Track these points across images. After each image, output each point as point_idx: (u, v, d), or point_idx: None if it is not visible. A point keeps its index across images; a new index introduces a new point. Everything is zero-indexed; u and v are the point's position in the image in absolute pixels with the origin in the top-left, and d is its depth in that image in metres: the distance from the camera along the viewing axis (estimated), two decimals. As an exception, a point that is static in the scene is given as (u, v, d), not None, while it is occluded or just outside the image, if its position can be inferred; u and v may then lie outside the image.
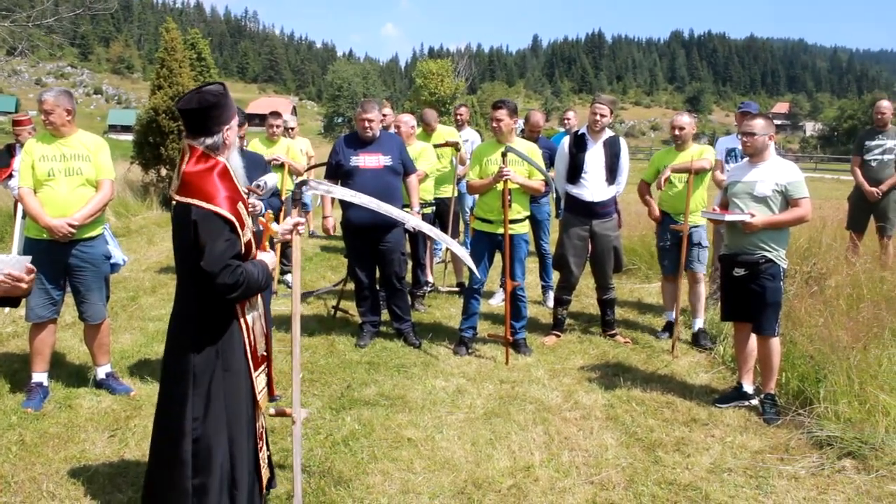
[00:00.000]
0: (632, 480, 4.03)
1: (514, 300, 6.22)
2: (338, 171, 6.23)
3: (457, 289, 8.39)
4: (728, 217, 5.00)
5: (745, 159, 5.22)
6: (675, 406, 5.12)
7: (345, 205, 6.19)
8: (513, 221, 6.04)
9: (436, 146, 7.95)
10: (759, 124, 5.02)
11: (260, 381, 3.20)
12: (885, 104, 8.35)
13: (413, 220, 3.23)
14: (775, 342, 4.98)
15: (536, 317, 7.47)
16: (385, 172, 6.20)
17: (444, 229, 8.23)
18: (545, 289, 8.11)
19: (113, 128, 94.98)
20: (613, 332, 6.78)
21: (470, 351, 6.29)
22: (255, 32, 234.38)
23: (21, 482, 3.87)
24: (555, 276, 7.44)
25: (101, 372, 5.23)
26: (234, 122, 3.07)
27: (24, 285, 2.42)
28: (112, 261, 5.23)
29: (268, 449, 3.46)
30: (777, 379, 5.05)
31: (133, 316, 7.18)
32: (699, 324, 6.60)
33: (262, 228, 3.26)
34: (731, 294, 5.16)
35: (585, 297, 8.13)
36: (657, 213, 6.66)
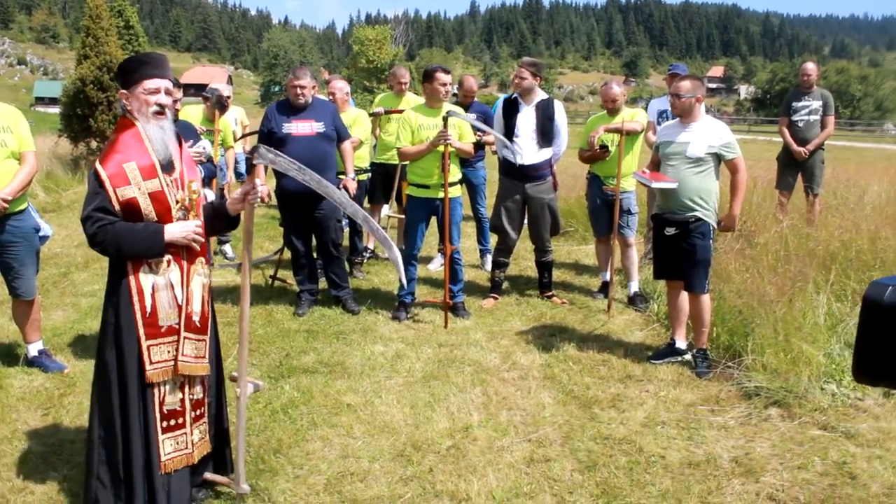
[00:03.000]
0: (568, 437, 4.12)
1: (452, 264, 6.25)
2: (270, 139, 6.12)
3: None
4: (655, 184, 5.09)
5: (676, 119, 5.27)
6: (611, 363, 5.23)
7: (278, 173, 6.10)
8: (450, 185, 6.04)
9: (388, 112, 7.86)
10: (685, 86, 5.07)
11: (159, 350, 3.09)
12: (810, 66, 8.55)
13: (350, 207, 3.17)
14: (705, 299, 5.09)
15: (474, 280, 7.52)
16: (318, 139, 6.12)
17: (388, 195, 8.19)
18: (483, 252, 8.16)
19: (40, 100, 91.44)
20: (551, 293, 6.86)
21: (409, 316, 6.31)
22: (187, 0, 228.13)
23: (-52, 463, 3.77)
24: (492, 240, 7.49)
25: (33, 349, 5.08)
26: (139, 88, 3.07)
27: None
28: (41, 233, 5.08)
29: (208, 423, 3.37)
30: (708, 334, 5.19)
31: (65, 292, 7.00)
32: (634, 287, 6.72)
33: (193, 196, 3.18)
34: (662, 253, 5.24)
35: (523, 260, 8.21)
36: (595, 145, 6.56)
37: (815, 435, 4.10)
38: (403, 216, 7.24)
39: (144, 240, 3.00)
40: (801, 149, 8.26)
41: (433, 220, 6.42)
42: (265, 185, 6.52)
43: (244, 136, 9.53)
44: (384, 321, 6.23)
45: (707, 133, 5.04)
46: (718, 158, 5.04)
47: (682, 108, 5.09)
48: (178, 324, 3.12)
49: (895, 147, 31.84)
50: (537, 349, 5.54)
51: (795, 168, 8.48)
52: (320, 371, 5.07)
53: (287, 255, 6.92)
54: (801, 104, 8.40)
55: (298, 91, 6.09)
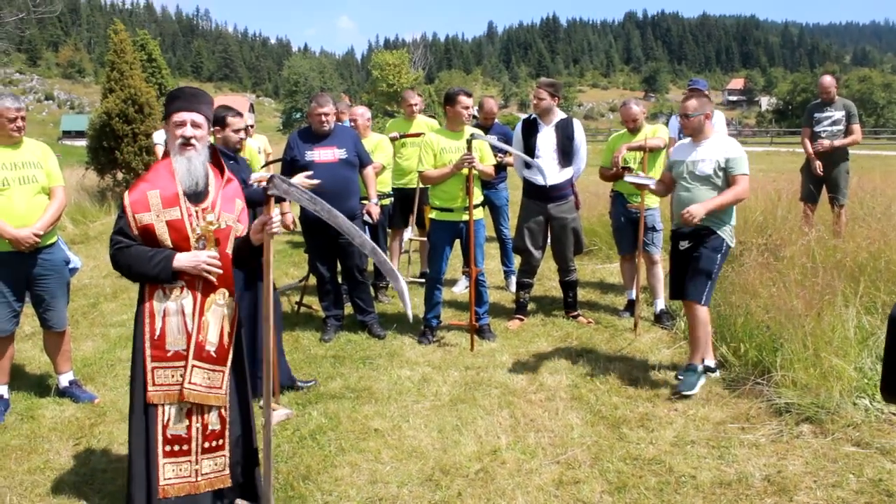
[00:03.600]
0: (597, 458, 4.09)
1: (477, 286, 6.25)
2: (293, 167, 6.18)
3: (421, 279, 8.40)
4: (628, 178, 5.43)
5: (689, 139, 5.25)
6: (639, 383, 5.20)
7: None
8: (474, 207, 6.07)
9: (403, 136, 7.92)
10: (691, 105, 5.06)
11: (163, 374, 3.16)
12: (827, 80, 8.57)
13: (359, 238, 3.19)
14: (702, 311, 4.99)
15: (499, 302, 7.52)
16: (340, 166, 6.17)
17: (406, 220, 8.24)
18: (507, 274, 8.16)
19: (67, 134, 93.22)
20: (576, 313, 6.84)
21: (434, 339, 6.32)
22: (208, 31, 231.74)
23: (-16, 496, 3.81)
24: (516, 261, 7.49)
25: (64, 380, 5.16)
26: (170, 121, 3.22)
27: None
28: (71, 265, 5.18)
29: (232, 454, 3.39)
30: (710, 351, 5.14)
31: (94, 323, 7.09)
32: (660, 305, 6.69)
33: (210, 228, 3.23)
34: (677, 270, 5.20)
35: (548, 280, 8.19)
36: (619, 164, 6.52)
37: (849, 451, 4.04)
38: (426, 239, 7.27)
39: (155, 265, 3.10)
40: (819, 163, 8.24)
41: (457, 242, 6.43)
42: (289, 212, 6.61)
43: (267, 163, 9.64)
44: (410, 345, 6.24)
45: (716, 150, 5.02)
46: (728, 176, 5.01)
47: (693, 127, 5.08)
48: (187, 350, 3.17)
49: (922, 155, 31.45)
50: (564, 370, 5.52)
51: (820, 179, 8.42)
52: (347, 396, 5.08)
53: (312, 281, 6.96)
54: (823, 115, 8.36)
55: (323, 119, 6.15)
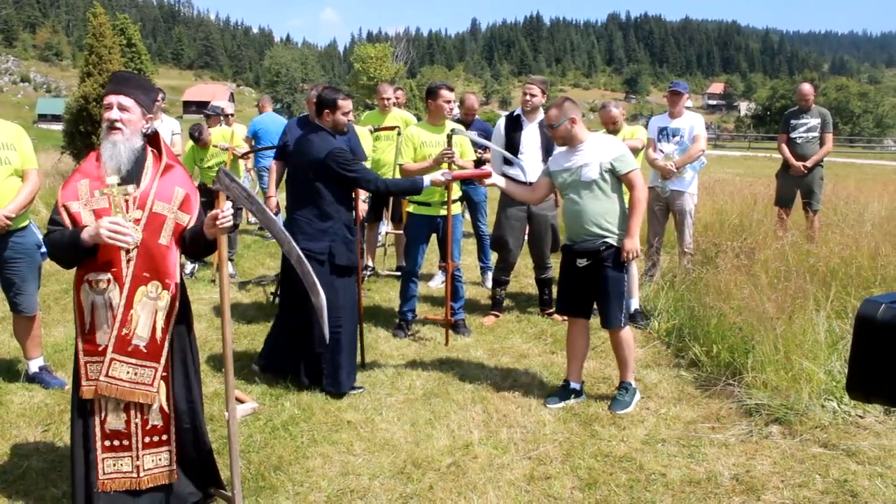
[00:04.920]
0: (569, 454, 4.11)
1: (453, 281, 6.25)
2: (284, 152, 6.19)
3: (397, 273, 8.39)
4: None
5: (565, 147, 4.88)
6: (612, 381, 5.23)
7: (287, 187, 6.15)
8: (452, 202, 6.07)
9: (377, 129, 7.91)
10: (552, 114, 4.73)
11: (95, 369, 3.11)
12: (806, 87, 8.71)
13: (287, 245, 3.14)
14: (625, 333, 4.84)
15: (475, 298, 7.54)
16: None
17: (379, 215, 8.23)
18: (483, 270, 8.17)
19: (43, 117, 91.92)
20: (551, 310, 6.87)
21: (409, 333, 6.32)
22: (190, 17, 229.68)
23: (-51, 480, 3.77)
24: (493, 257, 7.51)
25: (34, 365, 5.10)
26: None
27: None
28: (42, 249, 5.11)
29: (178, 450, 3.32)
30: (633, 368, 4.96)
31: (66, 308, 7.01)
32: (634, 304, 6.71)
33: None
34: (570, 285, 4.89)
35: (524, 277, 8.22)
36: None
37: (817, 452, 4.09)
38: (402, 233, 7.26)
39: (67, 245, 3.04)
40: (799, 164, 8.32)
41: (433, 237, 6.42)
42: (274, 196, 6.55)
43: (249, 152, 9.59)
44: (385, 338, 6.24)
45: (598, 151, 4.70)
46: (617, 177, 4.72)
47: (561, 136, 4.75)
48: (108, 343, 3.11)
49: (895, 164, 31.89)
50: (538, 366, 5.54)
51: (795, 185, 8.52)
52: (321, 388, 5.06)
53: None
54: (799, 122, 8.47)
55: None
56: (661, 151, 7.12)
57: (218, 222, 3.06)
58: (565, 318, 6.66)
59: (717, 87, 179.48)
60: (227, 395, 3.20)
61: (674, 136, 7.09)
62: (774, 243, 6.84)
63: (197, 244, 3.24)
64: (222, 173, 3.08)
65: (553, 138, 4.87)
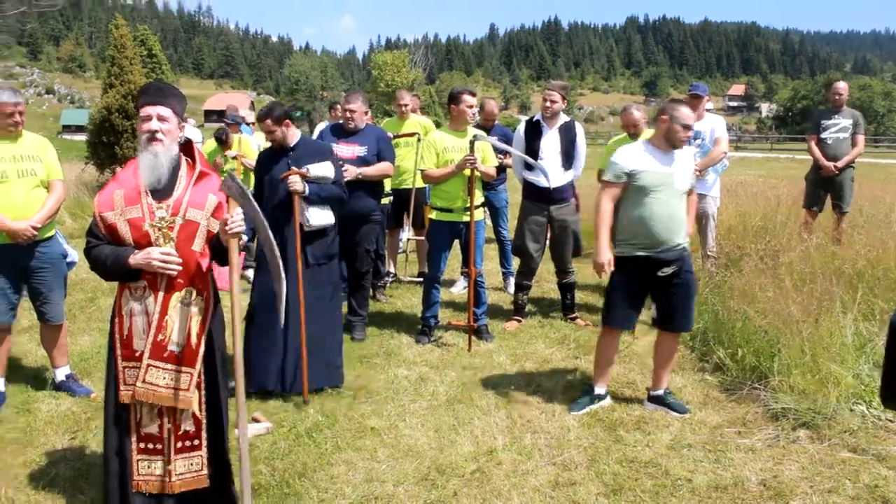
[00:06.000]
0: (594, 460, 4.09)
1: (475, 287, 6.24)
2: None
3: (419, 279, 8.40)
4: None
5: (641, 143, 4.75)
6: (636, 385, 5.20)
7: None
8: (475, 208, 6.06)
9: (396, 136, 7.91)
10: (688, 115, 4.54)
11: (133, 374, 3.16)
12: (841, 85, 8.57)
13: (270, 253, 3.20)
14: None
15: (498, 303, 7.52)
16: (357, 163, 6.10)
17: (400, 221, 8.23)
18: (506, 275, 8.16)
19: (67, 128, 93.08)
20: (574, 315, 6.85)
21: (432, 339, 6.32)
22: (210, 28, 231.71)
23: (-21, 489, 3.81)
24: (515, 263, 7.49)
25: (61, 374, 5.16)
26: (139, 117, 3.20)
27: None
28: (68, 259, 5.18)
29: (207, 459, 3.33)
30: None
31: (92, 317, 7.08)
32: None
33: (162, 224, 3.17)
34: (640, 298, 4.76)
35: (546, 283, 8.19)
36: None
37: (846, 457, 4.04)
38: (424, 239, 7.26)
39: (112, 264, 3.10)
40: (830, 164, 8.20)
41: (455, 242, 6.42)
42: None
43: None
44: (408, 345, 6.24)
45: (689, 160, 4.74)
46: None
47: (682, 139, 4.60)
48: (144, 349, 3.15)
49: (921, 163, 31.51)
50: (561, 372, 5.52)
51: (825, 186, 8.41)
52: (344, 395, 5.08)
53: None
54: (830, 122, 8.35)
55: (348, 115, 6.14)
56: (683, 154, 7.07)
57: (227, 227, 3.09)
58: (588, 323, 6.68)
59: (737, 89, 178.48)
60: (239, 412, 3.16)
61: (695, 139, 7.04)
62: (799, 245, 6.78)
63: (216, 250, 3.27)
64: (228, 177, 3.11)
65: (677, 140, 4.58)
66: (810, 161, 8.63)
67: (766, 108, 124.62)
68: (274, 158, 5.24)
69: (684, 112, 4.50)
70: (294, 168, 5.02)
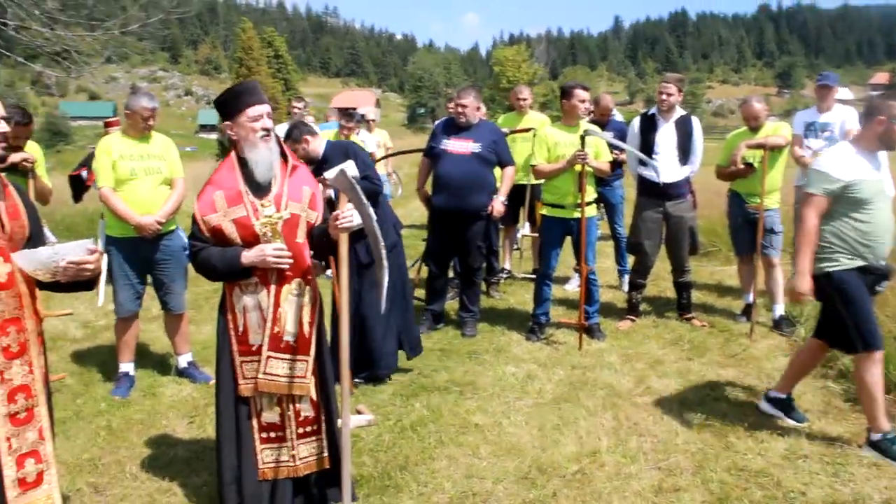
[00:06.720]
0: (701, 466, 3.96)
1: (587, 284, 6.16)
2: (430, 153, 6.36)
3: (533, 275, 8.35)
4: None
5: (852, 145, 4.19)
6: (751, 390, 5.00)
7: (435, 188, 6.31)
8: (586, 204, 5.97)
9: (513, 132, 7.88)
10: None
11: (251, 367, 3.28)
12: None
13: (357, 219, 3.20)
14: None
15: (612, 301, 7.38)
16: (471, 159, 6.14)
17: (517, 216, 8.20)
18: (621, 273, 8.00)
19: (203, 127, 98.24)
20: (690, 315, 6.64)
21: (542, 336, 6.27)
22: (337, 27, 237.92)
23: (107, 464, 4.10)
24: (630, 260, 7.33)
25: (183, 361, 5.46)
26: (242, 117, 3.21)
27: (90, 266, 2.58)
28: (188, 251, 5.45)
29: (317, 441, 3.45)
30: None
31: (216, 308, 7.37)
32: (779, 310, 6.39)
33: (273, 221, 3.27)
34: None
35: (663, 281, 7.96)
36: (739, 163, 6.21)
37: (982, 476, 3.75)
38: (538, 236, 7.21)
39: (224, 265, 3.20)
40: None
41: (567, 239, 6.33)
42: (423, 188, 6.70)
43: (384, 157, 9.83)
44: (518, 341, 6.22)
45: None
46: None
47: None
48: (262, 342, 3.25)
49: None
50: (673, 373, 5.37)
51: None
52: (451, 390, 5.11)
53: (423, 273, 7.04)
54: None
55: (460, 110, 6.20)
56: (809, 148, 6.74)
57: (338, 223, 3.16)
58: (705, 323, 6.46)
59: (881, 77, 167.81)
60: (343, 403, 3.27)
61: (822, 131, 6.70)
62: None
63: (324, 243, 3.37)
64: (340, 172, 3.18)
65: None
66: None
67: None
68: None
69: None
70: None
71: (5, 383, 2.65)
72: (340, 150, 5.29)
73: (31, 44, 12.86)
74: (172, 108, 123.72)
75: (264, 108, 3.25)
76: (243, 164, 3.25)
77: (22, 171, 5.44)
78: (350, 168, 5.17)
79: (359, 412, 4.60)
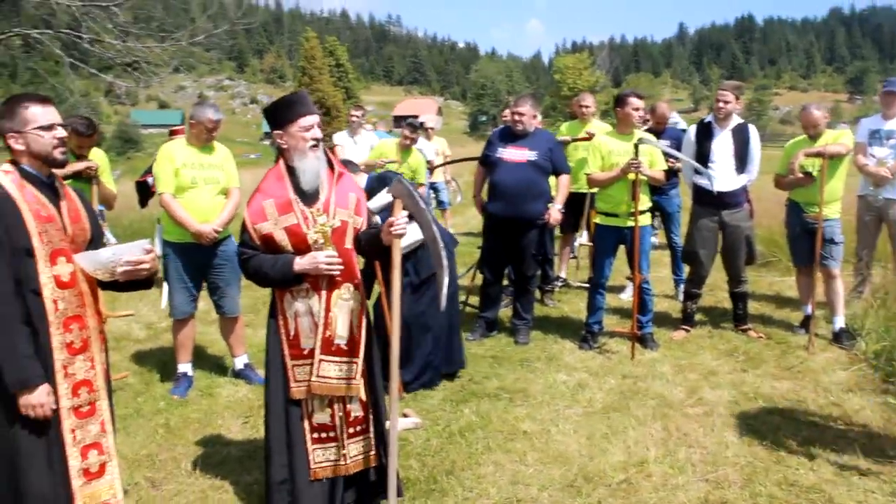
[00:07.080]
0: (749, 480, 3.90)
1: (641, 293, 6.12)
2: (486, 161, 6.41)
3: (588, 284, 8.30)
4: None
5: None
6: (807, 404, 4.90)
7: (491, 195, 6.36)
8: (640, 213, 5.94)
9: (573, 140, 7.86)
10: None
11: (302, 371, 3.34)
12: None
13: (439, 263, 3.24)
14: None
15: (667, 311, 7.31)
16: (527, 167, 6.17)
17: (577, 225, 8.17)
18: (677, 282, 7.89)
19: (267, 135, 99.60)
20: (746, 326, 6.53)
21: (595, 345, 6.24)
22: (399, 36, 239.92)
23: (164, 461, 4.26)
24: (686, 270, 7.25)
25: (239, 363, 5.61)
26: (294, 126, 3.27)
27: (146, 266, 2.71)
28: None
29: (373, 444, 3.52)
30: None
31: (273, 312, 7.55)
32: (839, 322, 6.23)
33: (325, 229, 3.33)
34: None
35: (720, 291, 7.83)
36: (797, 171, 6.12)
37: None
38: (592, 243, 7.19)
39: (277, 272, 3.27)
40: None
41: (621, 248, 6.29)
42: (479, 195, 6.75)
43: (441, 164, 9.90)
44: (570, 350, 6.21)
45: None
46: None
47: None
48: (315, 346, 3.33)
49: None
50: (726, 385, 5.30)
51: None
52: (501, 397, 5.14)
53: (478, 280, 7.08)
54: None
55: (516, 117, 6.24)
56: (873, 156, 6.56)
57: (392, 229, 3.22)
58: (761, 335, 6.35)
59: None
60: (392, 406, 3.32)
61: (888, 138, 6.51)
62: None
63: (373, 248, 3.43)
64: (398, 180, 3.25)
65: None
66: None
67: None
68: None
69: None
70: None
71: (69, 378, 2.82)
72: (381, 183, 5.42)
73: (104, 55, 13.35)
74: (238, 116, 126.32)
75: (314, 119, 3.33)
76: (291, 172, 3.33)
77: (86, 178, 5.65)
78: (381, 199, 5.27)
79: (405, 416, 4.66)
